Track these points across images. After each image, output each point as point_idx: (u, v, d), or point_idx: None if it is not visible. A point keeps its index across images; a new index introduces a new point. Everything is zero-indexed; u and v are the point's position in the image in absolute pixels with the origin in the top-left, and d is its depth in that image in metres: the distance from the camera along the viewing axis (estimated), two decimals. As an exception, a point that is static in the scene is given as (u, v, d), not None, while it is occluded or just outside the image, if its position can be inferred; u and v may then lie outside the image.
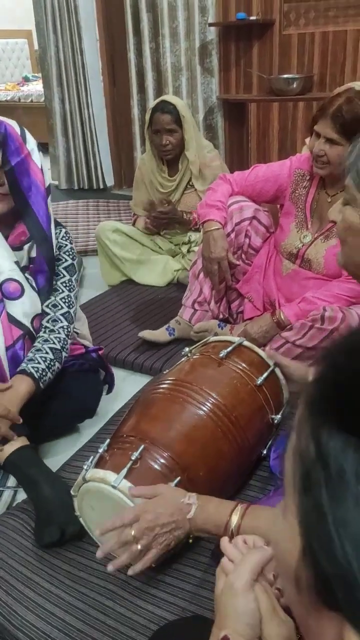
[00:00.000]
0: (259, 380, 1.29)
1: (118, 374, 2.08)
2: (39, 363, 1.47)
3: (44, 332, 1.54)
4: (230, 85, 3.74)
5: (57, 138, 4.69)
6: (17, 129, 1.48)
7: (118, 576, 1.15)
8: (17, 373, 1.45)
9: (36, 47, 5.64)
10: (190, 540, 1.04)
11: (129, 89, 4.07)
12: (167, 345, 2.14)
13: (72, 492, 1.16)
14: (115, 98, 4.53)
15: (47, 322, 1.55)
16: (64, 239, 1.63)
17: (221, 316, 2.12)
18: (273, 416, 1.31)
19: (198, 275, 2.07)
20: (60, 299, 1.58)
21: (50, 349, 1.50)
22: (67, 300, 1.59)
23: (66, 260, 1.63)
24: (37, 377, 1.45)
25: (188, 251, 2.64)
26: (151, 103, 3.81)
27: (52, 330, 1.54)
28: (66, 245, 1.63)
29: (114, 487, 1.06)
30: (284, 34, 3.44)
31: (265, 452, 1.34)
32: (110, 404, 1.84)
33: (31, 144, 1.49)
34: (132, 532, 0.98)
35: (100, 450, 1.15)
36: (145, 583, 1.14)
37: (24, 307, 1.52)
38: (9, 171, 1.44)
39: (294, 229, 1.90)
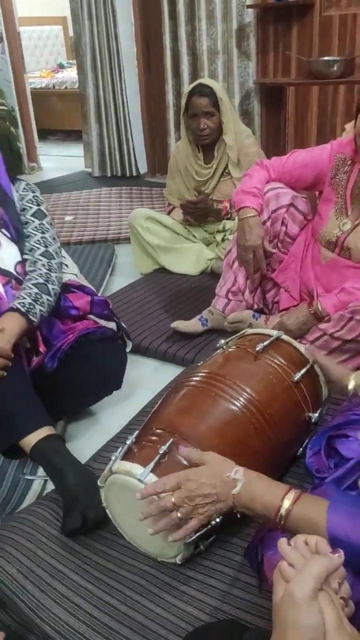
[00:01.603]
0: (297, 377, 1.24)
1: (149, 363, 2.06)
2: (24, 298, 1.51)
3: (27, 274, 1.59)
4: (268, 69, 3.65)
5: (90, 125, 4.67)
6: None
7: (147, 570, 1.13)
8: (2, 313, 1.49)
9: (71, 33, 5.61)
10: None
11: (164, 74, 4.01)
12: (199, 336, 2.10)
13: (99, 483, 1.14)
14: (150, 84, 4.48)
15: (29, 266, 1.61)
16: (25, 190, 1.69)
17: (255, 306, 2.06)
18: (310, 414, 1.26)
19: (232, 264, 2.02)
20: (34, 242, 1.64)
21: (34, 284, 1.54)
22: (41, 242, 1.64)
23: (31, 208, 1.68)
24: (23, 310, 1.47)
25: (222, 240, 2.59)
26: (186, 88, 3.75)
27: (32, 270, 1.59)
28: (28, 194, 1.69)
29: (140, 480, 1.04)
30: (324, 15, 3.34)
31: (300, 451, 1.29)
32: (142, 395, 1.81)
33: None
34: (172, 499, 0.95)
35: (129, 442, 1.13)
36: (175, 579, 1.11)
37: (4, 257, 1.57)
38: None
39: (333, 216, 1.83)
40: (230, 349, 1.34)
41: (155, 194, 4.09)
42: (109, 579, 1.12)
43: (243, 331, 1.44)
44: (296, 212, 1.96)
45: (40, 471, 1.50)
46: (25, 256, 1.62)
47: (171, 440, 1.08)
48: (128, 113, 4.44)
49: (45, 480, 1.49)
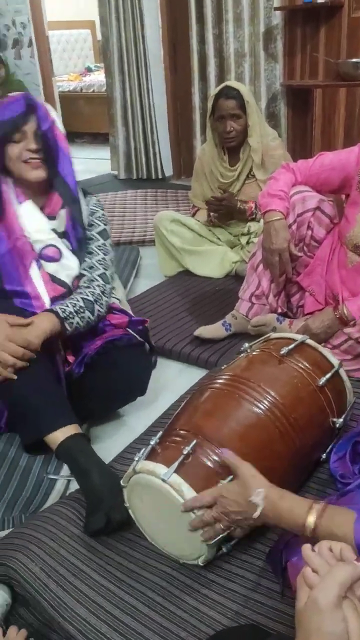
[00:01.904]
0: (322, 381, 1.23)
1: (173, 366, 2.06)
2: (67, 306, 1.52)
3: (80, 288, 1.60)
4: (295, 71, 3.63)
5: (117, 127, 4.70)
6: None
7: (169, 572, 1.13)
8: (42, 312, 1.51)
9: (99, 37, 5.67)
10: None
11: (190, 76, 4.02)
12: (223, 339, 2.10)
13: (122, 483, 1.15)
14: (176, 86, 4.49)
15: (84, 282, 1.62)
16: (95, 206, 1.71)
17: (279, 310, 2.05)
18: (335, 419, 1.25)
19: (257, 267, 2.01)
20: (96, 261, 1.65)
21: (82, 298, 1.56)
22: (102, 263, 1.65)
23: (99, 225, 1.69)
24: (62, 315, 1.49)
25: (247, 242, 2.58)
26: (212, 91, 3.75)
27: (87, 287, 1.60)
28: (98, 211, 1.71)
29: (163, 480, 1.04)
30: (352, 16, 3.31)
31: (324, 456, 1.28)
32: (165, 397, 1.82)
33: (52, 111, 1.56)
34: (212, 514, 1.01)
35: (152, 443, 1.14)
36: (197, 581, 1.11)
37: (64, 269, 1.59)
38: (43, 137, 1.50)
39: (360, 220, 1.81)
40: (254, 353, 1.34)
41: (181, 197, 4.10)
42: (130, 580, 1.12)
43: (267, 335, 1.43)
44: (322, 216, 1.95)
45: (64, 471, 1.52)
46: (83, 271, 1.62)
47: (195, 441, 1.08)
48: (154, 116, 4.46)
49: (69, 480, 1.50)
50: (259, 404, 1.15)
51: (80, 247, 1.63)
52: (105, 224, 1.70)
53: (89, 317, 1.55)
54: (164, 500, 1.06)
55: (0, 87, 4.66)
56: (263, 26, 3.55)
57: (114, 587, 1.10)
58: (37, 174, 1.53)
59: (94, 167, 5.31)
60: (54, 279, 1.57)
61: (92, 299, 1.57)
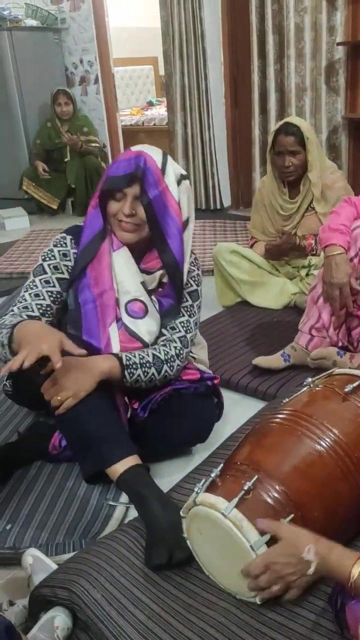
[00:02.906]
0: (386, 419, 1.21)
1: (230, 397, 2.06)
2: (133, 356, 1.49)
3: (156, 345, 1.57)
4: (357, 104, 3.64)
5: (177, 160, 4.82)
6: (159, 161, 1.51)
7: (227, 608, 1.13)
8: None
9: (161, 72, 5.85)
10: None
11: (251, 110, 4.09)
12: (282, 371, 2.09)
13: (181, 514, 1.16)
14: (236, 120, 4.58)
15: (162, 341, 1.59)
16: (192, 264, 1.67)
17: (340, 344, 2.03)
18: None
19: (317, 300, 2.01)
20: (179, 322, 1.61)
21: (153, 354, 1.52)
22: (185, 325, 1.62)
23: (191, 286, 1.66)
24: (124, 362, 1.45)
25: (307, 275, 2.58)
26: (272, 124, 3.81)
27: (163, 345, 1.57)
28: (194, 271, 1.67)
29: (224, 515, 1.04)
30: None
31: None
32: (222, 428, 1.82)
33: (170, 176, 1.52)
34: (266, 579, 1.02)
35: (213, 475, 1.14)
36: (255, 619, 1.10)
37: (146, 326, 1.56)
38: (147, 205, 1.49)
39: None
40: (316, 388, 1.33)
41: (239, 227, 4.14)
42: (188, 614, 1.12)
43: (330, 370, 1.43)
44: (384, 250, 1.93)
45: (123, 498, 1.54)
46: (164, 330, 1.60)
47: (256, 477, 1.08)
48: (214, 148, 4.55)
49: (127, 507, 1.52)
50: (321, 442, 1.14)
51: (168, 312, 1.60)
52: (197, 285, 1.67)
53: (154, 374, 1.51)
54: (223, 535, 1.06)
55: (67, 122, 4.88)
56: (325, 60, 3.59)
57: (172, 620, 1.11)
58: (127, 236, 1.53)
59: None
60: (132, 334, 1.54)
61: (163, 358, 1.53)
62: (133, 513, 1.49)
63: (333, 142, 3.73)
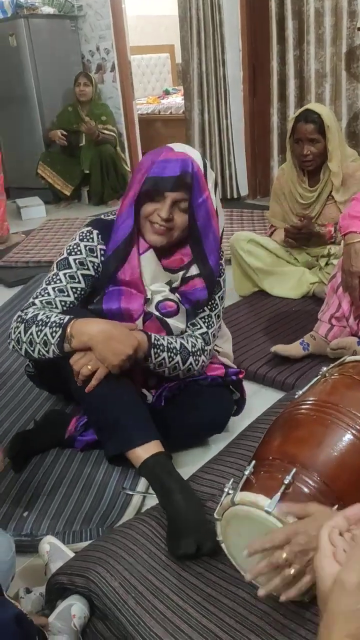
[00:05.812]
0: None
1: (248, 387, 2.02)
2: (162, 338, 1.48)
3: (182, 335, 1.56)
4: (378, 91, 3.57)
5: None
6: (202, 165, 1.47)
7: (246, 598, 1.11)
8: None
9: (178, 60, 5.80)
10: None
11: (270, 97, 4.03)
12: (300, 360, 2.06)
13: (215, 516, 1.09)
14: (255, 107, 4.52)
15: (186, 336, 1.58)
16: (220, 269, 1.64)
17: (360, 333, 2.00)
18: None
19: (337, 289, 1.98)
20: (200, 318, 1.59)
21: (181, 343, 1.51)
22: (206, 320, 1.59)
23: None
24: (152, 341, 1.44)
25: (326, 264, 2.54)
26: (292, 111, 3.75)
27: (190, 336, 1.56)
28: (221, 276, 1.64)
29: (267, 512, 0.99)
30: None
31: None
32: (240, 419, 1.80)
33: (210, 180, 1.48)
34: (284, 555, 0.91)
35: (247, 473, 1.09)
36: (276, 609, 1.08)
37: (177, 324, 1.55)
38: (190, 213, 1.46)
39: None
40: (333, 377, 1.30)
41: (256, 217, 4.09)
42: (207, 604, 1.11)
43: (342, 358, 1.39)
44: None
45: (140, 486, 1.53)
46: (187, 328, 1.59)
47: (294, 470, 1.04)
48: (232, 137, 4.50)
49: (144, 496, 1.51)
50: (352, 429, 1.11)
51: (196, 307, 1.58)
52: (220, 276, 1.64)
53: (178, 363, 1.50)
54: (267, 533, 0.99)
55: (86, 106, 4.84)
56: (345, 46, 3.52)
57: (192, 610, 1.09)
58: (156, 239, 1.48)
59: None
60: (163, 323, 1.53)
61: (190, 350, 1.52)
62: (150, 502, 1.49)
63: (353, 130, 3.67)
